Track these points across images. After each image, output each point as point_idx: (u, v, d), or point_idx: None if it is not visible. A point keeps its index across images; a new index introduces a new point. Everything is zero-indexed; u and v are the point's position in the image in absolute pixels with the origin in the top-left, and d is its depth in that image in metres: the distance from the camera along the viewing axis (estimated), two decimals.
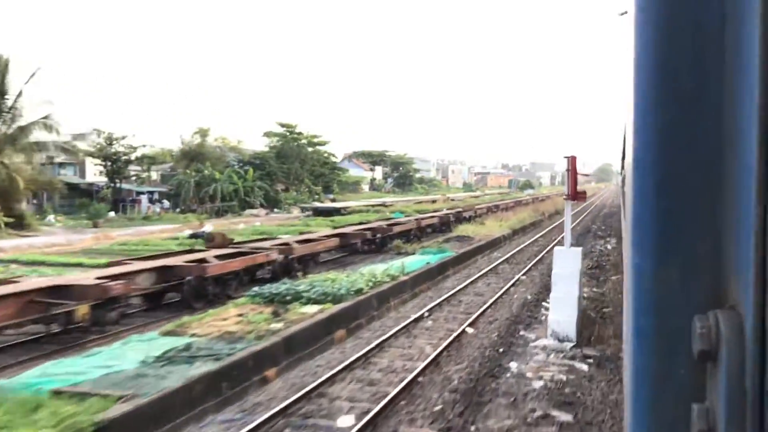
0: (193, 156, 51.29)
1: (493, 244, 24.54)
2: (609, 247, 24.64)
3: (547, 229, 33.03)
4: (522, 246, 24.95)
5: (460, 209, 35.33)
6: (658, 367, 0.82)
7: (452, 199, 71.82)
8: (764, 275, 0.66)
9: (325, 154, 66.83)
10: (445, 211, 32.39)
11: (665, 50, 0.80)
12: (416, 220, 27.35)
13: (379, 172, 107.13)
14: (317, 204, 49.70)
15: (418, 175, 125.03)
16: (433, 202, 66.36)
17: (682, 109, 0.79)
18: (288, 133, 65.34)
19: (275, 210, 52.59)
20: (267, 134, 64.18)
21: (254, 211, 49.24)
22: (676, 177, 0.80)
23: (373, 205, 50.90)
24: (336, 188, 66.50)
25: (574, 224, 36.09)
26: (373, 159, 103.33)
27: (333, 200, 61.97)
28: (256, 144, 59.23)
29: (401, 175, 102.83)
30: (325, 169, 65.02)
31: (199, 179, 47.85)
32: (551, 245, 23.48)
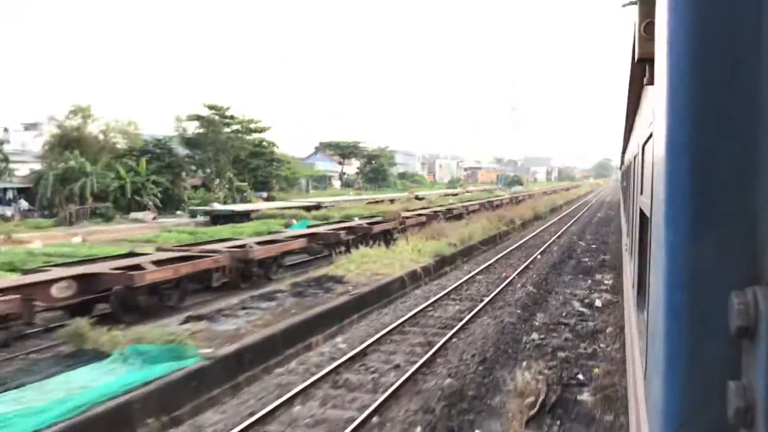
0: (68, 143, 39.53)
1: (358, 307, 11.96)
2: (599, 302, 12.91)
3: (503, 253, 21.20)
4: (412, 313, 12.86)
5: (375, 220, 23.51)
6: (692, 344, 0.82)
7: (420, 198, 60.19)
8: None
9: (264, 143, 54.99)
10: (339, 226, 20.59)
11: (700, 35, 0.81)
12: (269, 242, 15.68)
13: (355, 167, 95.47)
14: (219, 206, 37.88)
15: (401, 170, 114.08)
16: (392, 202, 54.77)
17: (716, 90, 0.80)
18: (217, 117, 53.60)
19: (177, 212, 40.93)
20: (190, 117, 52.44)
21: (139, 215, 37.54)
22: (710, 158, 0.81)
23: (304, 207, 39.25)
24: (275, 185, 54.66)
25: (554, 238, 24.70)
26: (342, 151, 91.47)
27: (266, 199, 50.25)
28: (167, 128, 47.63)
29: (373, 169, 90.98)
30: (260, 161, 53.21)
31: (63, 172, 36.10)
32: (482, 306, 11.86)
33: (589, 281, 15.46)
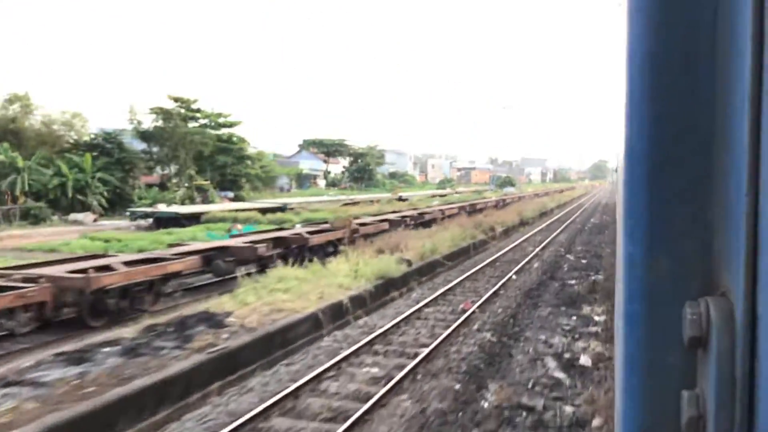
0: (2, 135, 35.44)
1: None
2: (586, 358, 8.94)
3: (471, 272, 17.29)
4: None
5: (318, 229, 19.36)
6: (648, 354, 0.83)
7: (404, 199, 56.26)
8: (754, 263, 0.69)
9: (234, 139, 50.91)
10: (263, 237, 16.52)
11: (658, 41, 0.81)
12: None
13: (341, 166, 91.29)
14: (163, 208, 33.80)
15: (392, 170, 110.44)
16: (373, 203, 50.84)
17: (674, 101, 0.80)
18: (182, 110, 49.58)
19: (127, 213, 36.87)
20: (153, 110, 48.39)
21: (79, 216, 33.48)
22: (667, 167, 0.81)
23: (264, 210, 35.29)
24: (244, 184, 50.56)
25: (538, 249, 20.86)
26: (327, 149, 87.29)
27: (233, 199, 46.23)
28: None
29: (359, 168, 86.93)
30: (227, 158, 49.11)
31: None
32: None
33: (574, 318, 11.55)
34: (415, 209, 31.46)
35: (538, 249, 21.45)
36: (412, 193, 67.36)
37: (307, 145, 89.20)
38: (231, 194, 47.14)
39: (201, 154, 49.66)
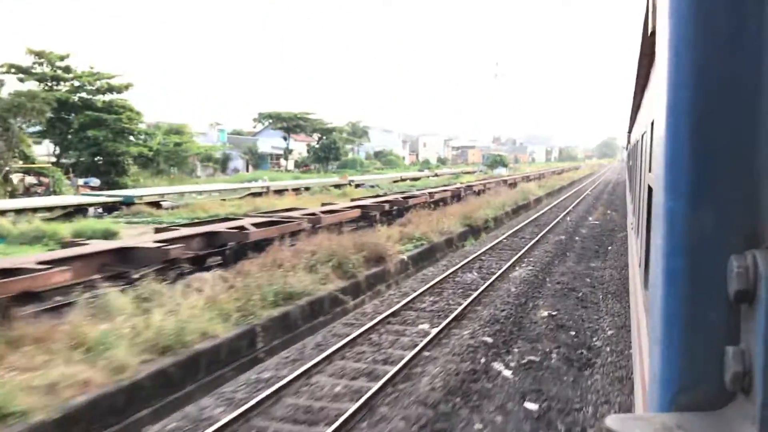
0: None
1: None
2: None
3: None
4: None
5: None
6: (690, 310, 0.82)
7: (358, 185, 43.79)
8: None
9: (117, 108, 38.10)
10: None
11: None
12: None
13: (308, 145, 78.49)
14: None
15: (378, 149, 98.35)
16: (338, 187, 38.59)
17: (719, 49, 0.79)
18: (45, 68, 37.04)
19: None
20: (3, 67, 35.86)
21: None
22: (710, 119, 0.80)
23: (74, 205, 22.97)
24: (130, 166, 37.80)
25: (519, 256, 8.49)
26: (285, 124, 74.15)
27: (102, 188, 33.60)
28: None
29: (323, 146, 74.14)
30: (101, 133, 36.38)
31: None
32: None
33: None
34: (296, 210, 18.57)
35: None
36: (374, 177, 54.62)
37: (262, 119, 76.18)
38: (97, 182, 34.49)
39: (69, 126, 37.18)
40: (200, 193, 31.22)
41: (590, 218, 24.82)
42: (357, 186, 43.28)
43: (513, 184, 39.85)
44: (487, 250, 16.48)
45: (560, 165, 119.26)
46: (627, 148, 15.85)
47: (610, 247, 17.18)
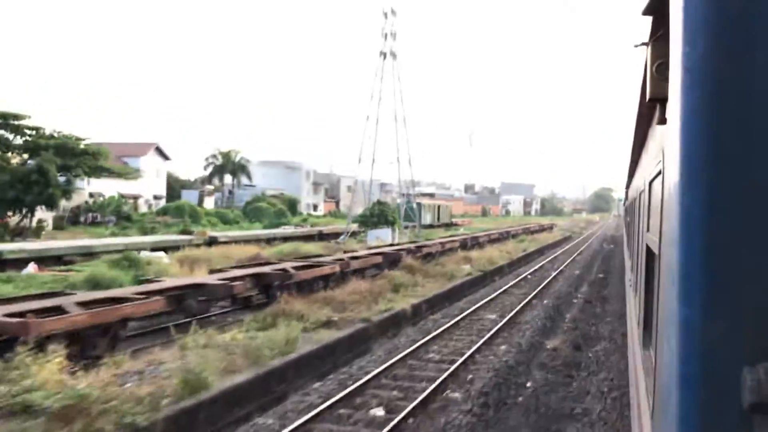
0: None
1: None
2: None
3: None
4: None
5: None
6: (704, 417, 0.82)
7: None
8: None
9: None
10: None
11: (716, 74, 0.83)
12: None
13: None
14: None
15: (270, 191, 64.23)
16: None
17: (733, 133, 0.82)
18: None
19: None
20: None
21: None
22: (725, 234, 0.82)
23: None
24: None
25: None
26: None
27: None
28: None
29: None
30: None
31: None
32: None
33: None
34: None
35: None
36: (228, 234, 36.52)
37: None
38: None
39: None
40: None
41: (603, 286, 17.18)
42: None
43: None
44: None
45: (532, 221, 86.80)
46: (624, 204, 15.72)
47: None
